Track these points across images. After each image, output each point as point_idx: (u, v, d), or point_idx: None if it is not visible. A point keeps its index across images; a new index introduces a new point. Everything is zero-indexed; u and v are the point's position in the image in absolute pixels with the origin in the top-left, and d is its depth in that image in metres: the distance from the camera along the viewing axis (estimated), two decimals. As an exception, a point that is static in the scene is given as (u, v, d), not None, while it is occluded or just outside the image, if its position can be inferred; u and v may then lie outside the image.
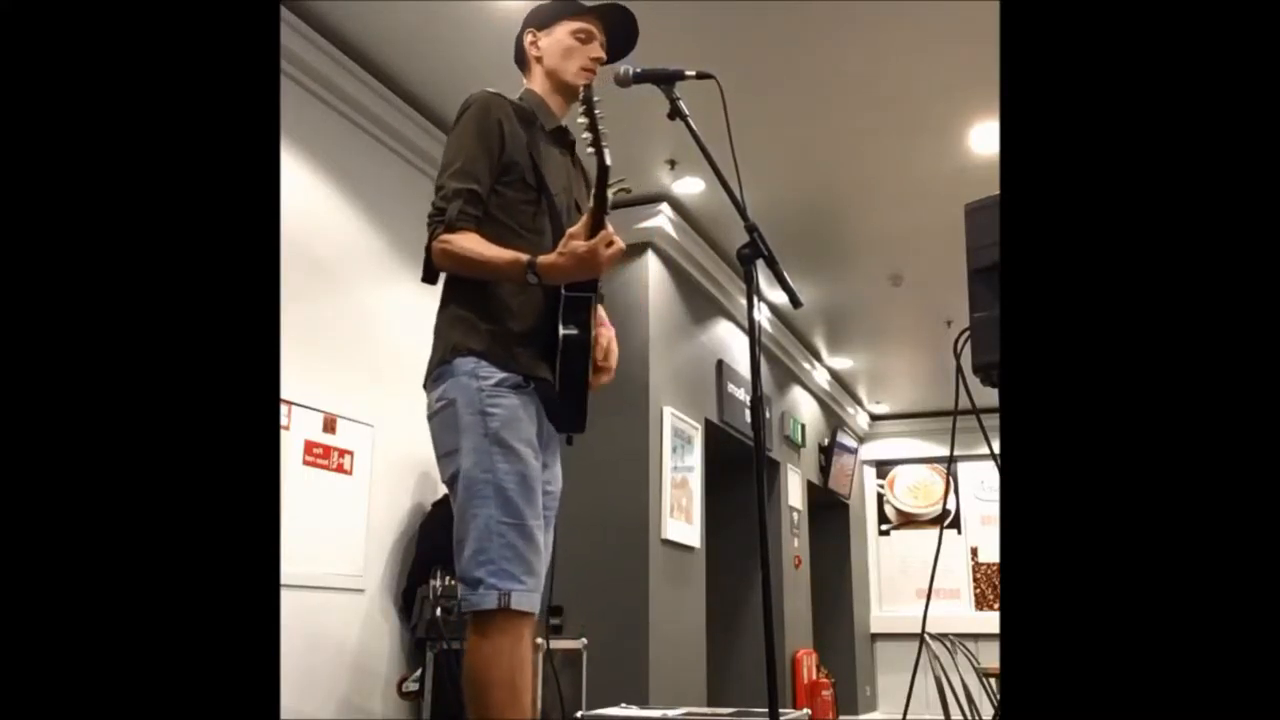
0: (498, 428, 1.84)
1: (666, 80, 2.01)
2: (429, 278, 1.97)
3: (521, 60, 2.20)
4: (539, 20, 2.16)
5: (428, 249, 1.93)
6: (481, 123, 1.97)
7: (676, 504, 5.36)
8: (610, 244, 1.88)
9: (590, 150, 1.90)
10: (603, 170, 1.89)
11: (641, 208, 5.28)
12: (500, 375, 1.89)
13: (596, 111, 1.87)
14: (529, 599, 1.81)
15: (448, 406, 1.89)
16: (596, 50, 2.13)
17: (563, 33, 2.12)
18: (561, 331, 1.94)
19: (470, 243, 1.90)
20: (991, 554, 9.91)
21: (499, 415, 1.85)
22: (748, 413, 6.35)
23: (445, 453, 1.89)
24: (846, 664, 8.99)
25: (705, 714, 3.94)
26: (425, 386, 1.98)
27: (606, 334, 2.12)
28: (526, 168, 1.99)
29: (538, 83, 2.15)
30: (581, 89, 1.91)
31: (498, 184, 1.97)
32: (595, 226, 1.88)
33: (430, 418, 1.94)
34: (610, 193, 1.92)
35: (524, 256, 1.87)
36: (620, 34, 2.18)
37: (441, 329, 1.97)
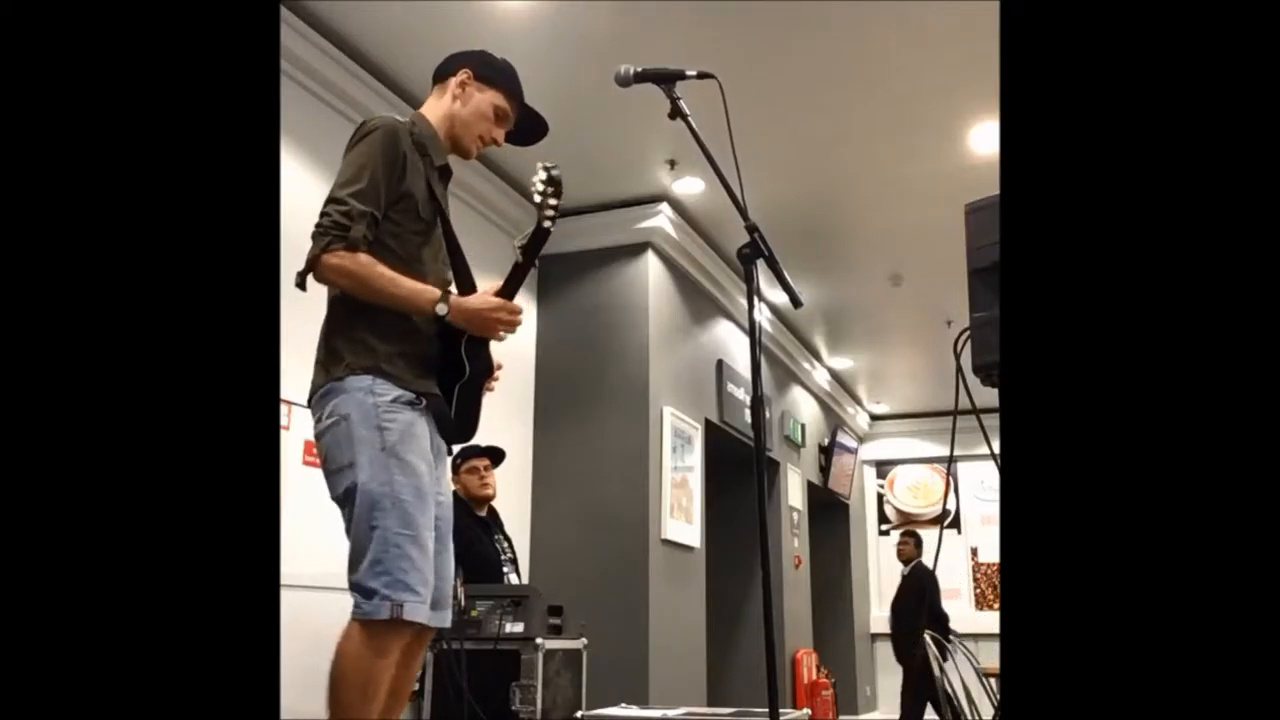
0: (395, 441, 1.88)
1: (667, 80, 2.01)
2: (302, 284, 1.97)
3: (441, 79, 2.20)
4: (482, 71, 2.18)
5: (315, 258, 1.92)
6: (389, 151, 1.98)
7: (676, 504, 5.36)
8: (511, 314, 2.00)
9: (548, 221, 2.01)
10: (542, 235, 2.01)
11: (642, 207, 5.28)
12: (396, 392, 1.93)
13: (558, 191, 2.01)
14: (420, 610, 1.86)
15: (340, 422, 1.91)
16: (500, 134, 2.20)
17: (489, 99, 2.16)
18: (465, 359, 2.02)
19: (378, 267, 1.93)
20: (991, 554, 9.91)
21: (395, 429, 1.89)
22: (748, 413, 6.35)
23: (338, 468, 1.91)
24: (846, 664, 8.99)
25: (705, 714, 3.94)
26: (310, 404, 1.99)
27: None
28: (422, 200, 2.03)
29: (435, 114, 2.16)
30: (545, 169, 2.01)
31: (391, 211, 1.99)
32: (515, 284, 2.01)
33: (320, 434, 1.95)
34: (533, 252, 2.04)
35: (435, 290, 1.95)
36: (524, 134, 2.27)
37: (337, 347, 1.97)
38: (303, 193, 3.75)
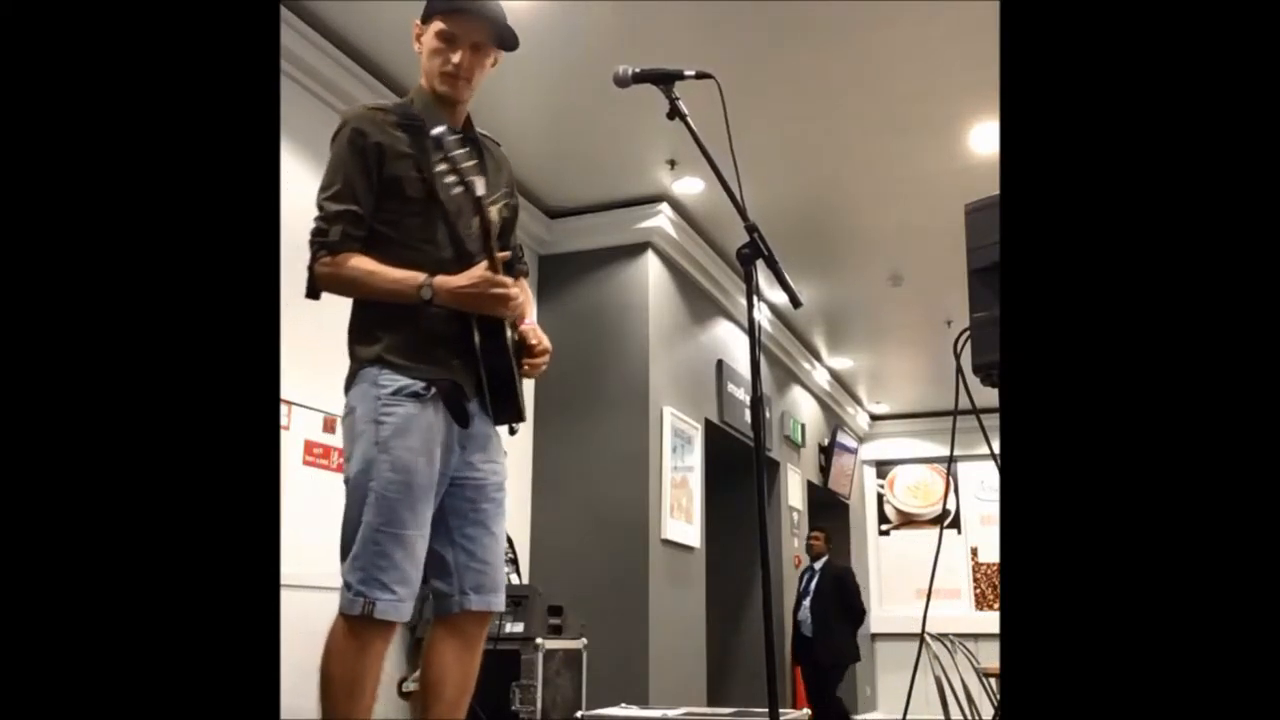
0: (388, 436, 1.88)
1: (665, 80, 2.00)
2: (312, 294, 1.98)
3: None
4: (422, 14, 2.07)
5: (310, 269, 1.95)
6: (356, 143, 1.96)
7: (676, 504, 5.36)
8: (497, 287, 1.91)
9: (458, 189, 1.88)
10: (489, 223, 1.92)
11: (642, 207, 5.28)
12: (400, 383, 1.91)
13: (457, 151, 1.86)
14: (396, 609, 1.86)
15: (350, 414, 1.94)
16: (459, 56, 2.02)
17: (431, 32, 2.04)
18: (478, 337, 1.97)
19: (357, 265, 1.92)
20: (991, 554, 9.90)
21: (390, 424, 1.88)
22: (748, 413, 6.36)
23: (346, 458, 1.94)
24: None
25: (705, 714, 3.94)
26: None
27: (529, 326, 2.15)
28: (410, 180, 1.97)
29: (423, 80, 2.09)
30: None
31: (383, 199, 1.97)
32: (489, 253, 1.92)
33: (341, 424, 1.99)
34: (491, 220, 1.95)
35: (419, 276, 1.90)
36: (498, 36, 2.07)
37: (350, 340, 2.00)
38: (303, 193, 3.74)
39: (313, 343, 3.71)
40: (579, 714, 3.78)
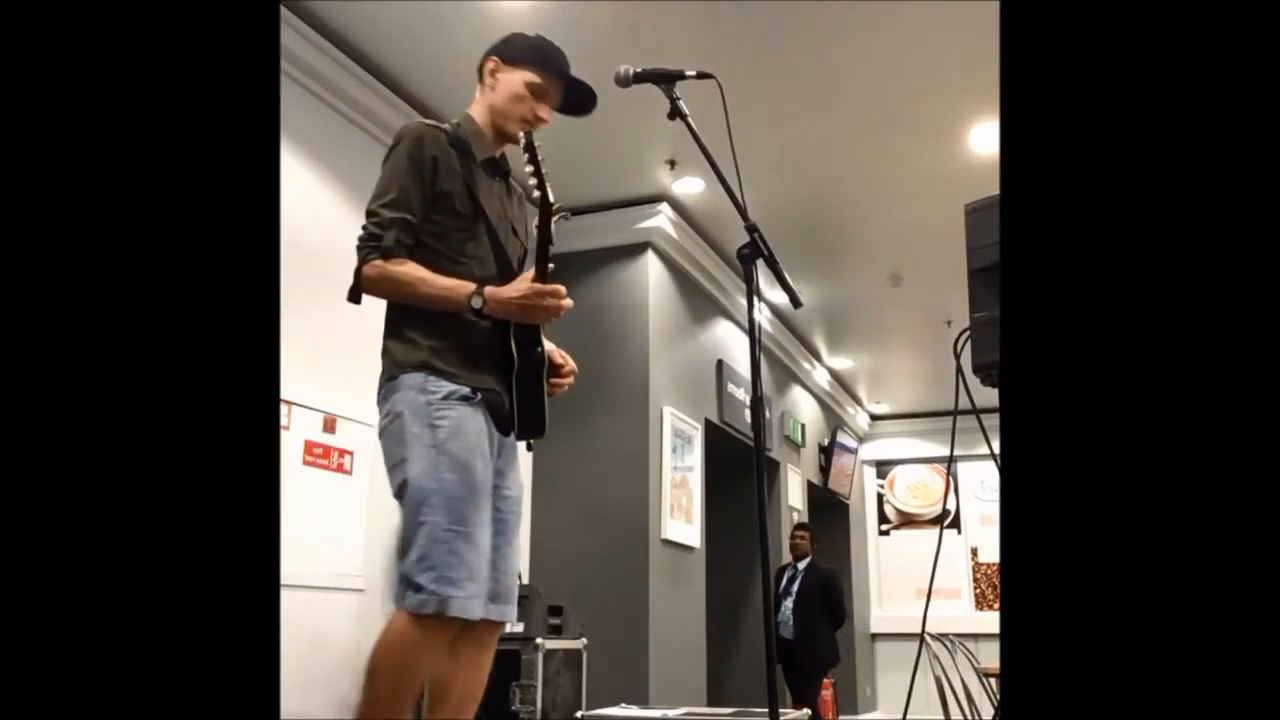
0: (445, 438, 1.90)
1: (666, 80, 2.01)
2: (354, 298, 2.01)
3: (480, 76, 2.21)
4: (506, 52, 2.17)
5: (357, 272, 1.98)
6: (414, 155, 2.02)
7: (676, 504, 5.36)
8: (550, 297, 1.97)
9: (536, 192, 1.97)
10: (546, 207, 1.97)
11: (642, 207, 5.28)
12: (448, 388, 1.94)
13: (540, 158, 1.97)
14: (467, 605, 1.87)
15: (395, 420, 1.95)
16: (544, 109, 2.15)
17: (520, 78, 2.13)
18: (515, 350, 2.01)
19: (409, 270, 1.96)
20: (991, 554, 9.91)
21: (446, 426, 1.91)
22: (748, 413, 6.36)
23: (394, 464, 1.95)
24: (846, 664, 8.98)
25: (705, 714, 3.95)
26: (377, 403, 2.03)
27: (552, 347, 2.19)
28: (460, 196, 2.03)
29: (479, 111, 2.17)
30: (522, 137, 1.99)
31: (432, 213, 2.02)
32: (542, 262, 1.98)
33: (380, 433, 2.00)
34: (552, 223, 2.00)
35: (469, 285, 1.96)
36: (576, 101, 2.21)
37: (389, 347, 2.02)
38: (303, 193, 3.76)
39: (313, 343, 3.72)
40: (579, 714, 3.79)
